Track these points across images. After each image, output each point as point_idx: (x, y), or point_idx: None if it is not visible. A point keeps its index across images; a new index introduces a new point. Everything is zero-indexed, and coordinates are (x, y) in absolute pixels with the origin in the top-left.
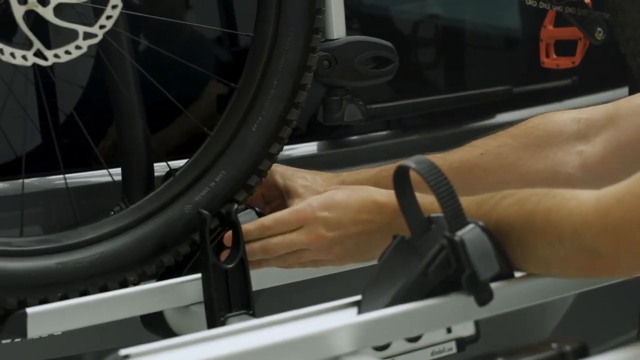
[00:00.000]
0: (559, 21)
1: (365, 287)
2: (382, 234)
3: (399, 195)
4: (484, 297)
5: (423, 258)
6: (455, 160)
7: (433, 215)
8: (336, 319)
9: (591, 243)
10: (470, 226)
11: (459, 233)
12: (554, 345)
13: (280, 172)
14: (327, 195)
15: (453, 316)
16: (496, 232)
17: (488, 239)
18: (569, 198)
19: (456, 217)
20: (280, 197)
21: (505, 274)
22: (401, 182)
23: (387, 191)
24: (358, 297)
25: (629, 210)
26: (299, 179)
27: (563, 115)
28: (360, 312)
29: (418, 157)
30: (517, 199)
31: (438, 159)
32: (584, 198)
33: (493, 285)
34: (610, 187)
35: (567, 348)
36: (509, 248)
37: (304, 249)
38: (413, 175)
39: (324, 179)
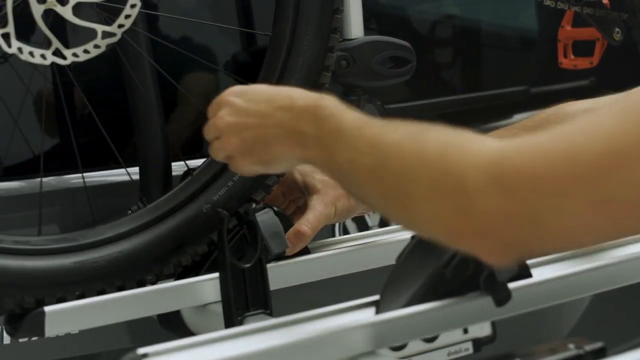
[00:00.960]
0: (577, 21)
1: (383, 287)
2: (282, 133)
3: None
4: (502, 297)
5: (441, 258)
6: None
7: None
8: (354, 319)
9: (472, 185)
10: None
11: None
12: (571, 345)
13: (298, 170)
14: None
15: (471, 316)
16: (383, 153)
17: None
18: (471, 138)
19: None
20: (302, 195)
21: (523, 274)
22: None
23: (312, 94)
24: (376, 297)
25: (525, 160)
26: (317, 174)
27: (576, 105)
28: (378, 312)
29: None
30: (420, 127)
31: None
32: (487, 142)
33: (511, 285)
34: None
35: (586, 349)
36: (386, 173)
37: (217, 135)
38: None
39: None
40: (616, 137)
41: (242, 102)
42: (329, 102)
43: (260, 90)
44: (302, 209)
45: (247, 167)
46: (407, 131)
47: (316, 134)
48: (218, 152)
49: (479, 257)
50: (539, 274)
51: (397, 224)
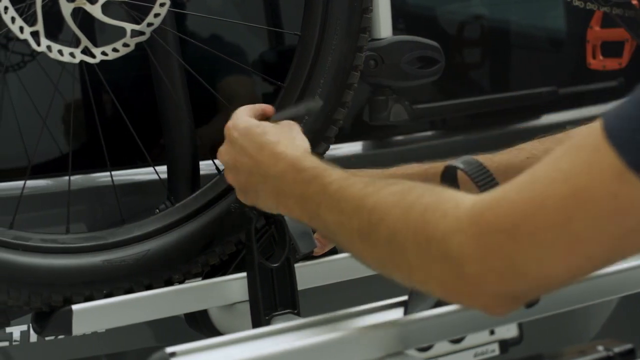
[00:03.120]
0: (606, 22)
1: (411, 288)
2: (268, 189)
3: None
4: None
5: None
6: (502, 163)
7: None
8: (382, 320)
9: (457, 250)
10: None
11: None
12: (600, 347)
13: None
14: (254, 121)
15: (499, 318)
16: (368, 217)
17: None
18: (448, 199)
19: None
20: None
21: None
22: (449, 182)
23: (295, 150)
24: (404, 298)
25: (499, 216)
26: None
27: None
28: (406, 312)
29: (466, 157)
30: (401, 189)
31: (485, 159)
32: (463, 201)
33: None
34: (490, 190)
35: (615, 350)
36: (375, 238)
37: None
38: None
39: (370, 175)
40: (574, 176)
41: (242, 141)
42: (311, 162)
43: (259, 132)
44: None
45: (244, 201)
46: (390, 192)
47: (300, 195)
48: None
49: (482, 311)
50: None
51: None
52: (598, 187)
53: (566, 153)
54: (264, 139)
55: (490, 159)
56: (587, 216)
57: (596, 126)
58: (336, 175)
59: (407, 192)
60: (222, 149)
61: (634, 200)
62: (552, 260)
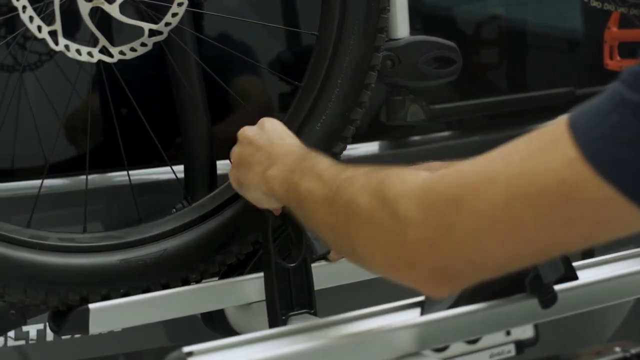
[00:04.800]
0: (624, 23)
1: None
2: (262, 163)
3: None
4: (548, 299)
5: None
6: None
7: None
8: (399, 320)
9: (403, 213)
10: None
11: None
12: (617, 349)
13: None
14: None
15: (516, 318)
16: (337, 186)
17: None
18: (410, 170)
19: None
20: None
21: (568, 277)
22: None
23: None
24: (421, 298)
25: (448, 186)
26: None
27: None
28: (423, 313)
29: None
30: (377, 167)
31: None
32: (423, 173)
33: (556, 287)
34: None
35: (631, 352)
36: (336, 205)
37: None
38: None
39: None
40: (529, 158)
41: (254, 136)
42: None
43: (270, 127)
44: None
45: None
46: (364, 170)
47: (291, 167)
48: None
49: (416, 287)
50: (585, 276)
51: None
52: (548, 172)
53: (529, 137)
54: (276, 134)
55: None
56: (532, 198)
57: (564, 117)
58: (327, 159)
59: (379, 168)
60: (232, 151)
61: (580, 190)
62: (490, 237)
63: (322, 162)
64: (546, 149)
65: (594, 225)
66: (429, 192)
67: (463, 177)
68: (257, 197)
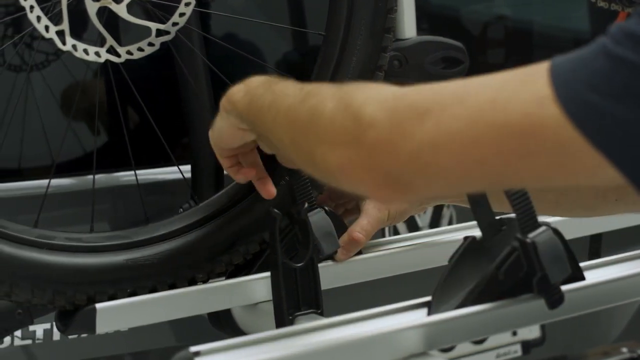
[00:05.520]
0: None
1: (435, 288)
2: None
3: (469, 196)
4: (554, 299)
5: (494, 260)
6: None
7: (505, 216)
8: (406, 320)
9: (368, 115)
10: (543, 228)
11: (531, 235)
12: (624, 349)
13: None
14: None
15: (523, 319)
16: (303, 95)
17: (560, 241)
18: (383, 84)
19: (528, 219)
20: (352, 199)
21: (575, 277)
22: None
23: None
24: (428, 298)
25: (418, 98)
26: None
27: None
28: (430, 313)
29: None
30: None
31: None
32: (395, 87)
33: (564, 288)
34: None
35: (639, 352)
36: (299, 112)
37: None
38: None
39: None
40: (501, 85)
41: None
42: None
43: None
44: (351, 211)
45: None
46: (334, 84)
47: (263, 91)
48: None
49: (367, 193)
50: (592, 277)
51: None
52: (518, 104)
53: (510, 71)
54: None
55: None
56: (495, 125)
57: (549, 60)
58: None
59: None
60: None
61: (545, 127)
62: (446, 152)
63: (290, 82)
64: (522, 83)
65: (551, 164)
66: (398, 99)
67: (436, 92)
68: (219, 124)
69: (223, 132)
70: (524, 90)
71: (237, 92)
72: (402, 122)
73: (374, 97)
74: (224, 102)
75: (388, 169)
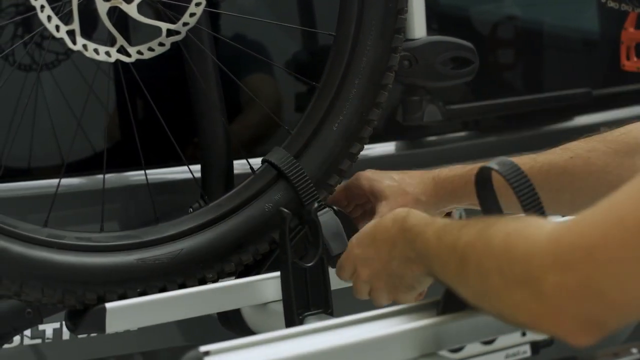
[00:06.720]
0: None
1: (445, 289)
2: (398, 263)
3: (480, 197)
4: None
5: None
6: (545, 163)
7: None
8: (415, 321)
9: (537, 270)
10: None
11: None
12: (634, 350)
13: (365, 175)
14: (362, 229)
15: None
16: (460, 257)
17: None
18: (529, 224)
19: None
20: (369, 200)
21: None
22: (483, 184)
23: (394, 218)
24: (437, 299)
25: (578, 236)
26: (386, 179)
27: None
28: (440, 313)
29: (501, 158)
30: (484, 223)
31: (529, 159)
32: (544, 225)
33: None
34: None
35: None
36: (466, 274)
37: (369, 285)
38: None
39: (413, 177)
40: None
41: (362, 251)
42: (412, 220)
43: (366, 232)
44: (368, 213)
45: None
46: (476, 229)
47: (416, 254)
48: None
49: (566, 341)
50: None
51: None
52: None
53: None
54: (371, 228)
55: (533, 159)
56: None
57: None
58: (434, 225)
59: (492, 223)
60: (356, 276)
61: None
62: (631, 280)
63: (430, 236)
64: None
65: None
66: (560, 246)
67: (591, 225)
68: (398, 271)
69: (403, 279)
70: None
71: (412, 260)
72: (574, 266)
73: (532, 248)
74: (408, 271)
75: (576, 315)
